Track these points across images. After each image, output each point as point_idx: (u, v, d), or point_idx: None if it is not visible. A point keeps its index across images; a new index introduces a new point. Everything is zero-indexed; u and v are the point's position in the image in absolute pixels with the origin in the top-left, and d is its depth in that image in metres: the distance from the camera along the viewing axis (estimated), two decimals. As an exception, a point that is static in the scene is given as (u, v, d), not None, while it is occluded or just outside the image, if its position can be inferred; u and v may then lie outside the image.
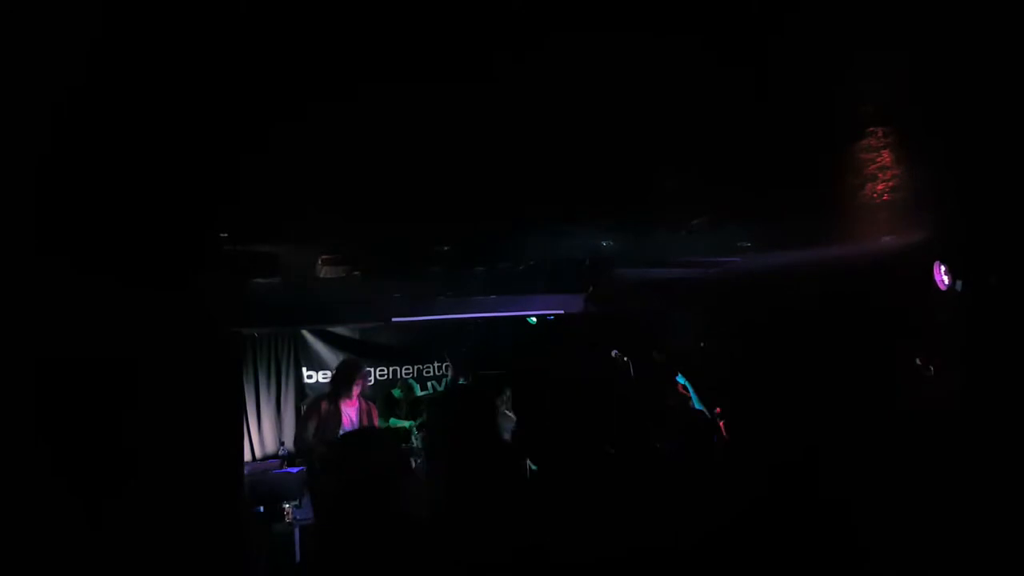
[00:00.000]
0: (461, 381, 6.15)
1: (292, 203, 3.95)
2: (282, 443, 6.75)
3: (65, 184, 2.87)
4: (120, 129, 2.62)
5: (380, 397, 6.61)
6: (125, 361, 3.14)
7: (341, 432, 4.91)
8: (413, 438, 5.93)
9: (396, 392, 6.89)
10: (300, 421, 5.19)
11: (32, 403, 2.76)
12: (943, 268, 4.53)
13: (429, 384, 7.62)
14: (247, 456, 6.53)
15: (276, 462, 6.42)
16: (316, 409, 4.96)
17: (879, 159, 3.13)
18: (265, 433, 6.93)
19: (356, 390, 5.10)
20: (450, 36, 1.99)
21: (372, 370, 7.19)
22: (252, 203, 3.98)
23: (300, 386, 7.11)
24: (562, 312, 6.77)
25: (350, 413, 5.04)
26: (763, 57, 2.16)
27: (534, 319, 6.84)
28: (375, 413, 5.42)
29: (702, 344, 5.76)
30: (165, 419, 3.25)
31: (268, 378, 7.01)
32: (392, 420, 6.11)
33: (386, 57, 2.18)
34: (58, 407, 2.85)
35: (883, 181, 3.44)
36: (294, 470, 5.21)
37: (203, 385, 3.70)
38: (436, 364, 7.70)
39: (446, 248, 4.80)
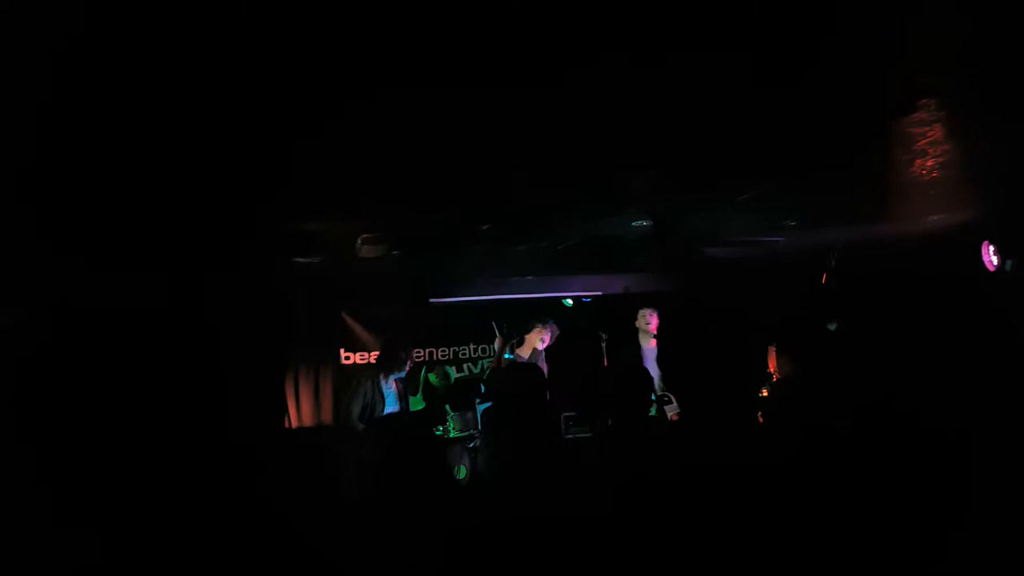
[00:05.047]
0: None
1: (335, 187, 4.01)
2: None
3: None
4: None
5: (412, 378, 6.60)
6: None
7: (386, 410, 4.97)
8: (450, 419, 5.90)
9: (432, 377, 6.87)
10: (345, 398, 5.21)
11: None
12: (991, 248, 4.43)
13: (465, 366, 7.64)
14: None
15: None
16: (360, 387, 5.00)
17: (930, 133, 3.08)
18: (304, 413, 7.02)
19: (407, 366, 5.16)
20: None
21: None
22: (295, 184, 4.05)
23: (338, 367, 7.18)
24: (600, 294, 6.72)
25: (391, 390, 5.09)
26: (821, 21, 2.15)
27: (570, 301, 6.77)
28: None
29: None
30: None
31: (307, 358, 7.07)
32: (412, 400, 6.04)
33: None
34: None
35: (933, 157, 3.38)
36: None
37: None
38: (472, 346, 7.73)
39: (485, 227, 4.83)
